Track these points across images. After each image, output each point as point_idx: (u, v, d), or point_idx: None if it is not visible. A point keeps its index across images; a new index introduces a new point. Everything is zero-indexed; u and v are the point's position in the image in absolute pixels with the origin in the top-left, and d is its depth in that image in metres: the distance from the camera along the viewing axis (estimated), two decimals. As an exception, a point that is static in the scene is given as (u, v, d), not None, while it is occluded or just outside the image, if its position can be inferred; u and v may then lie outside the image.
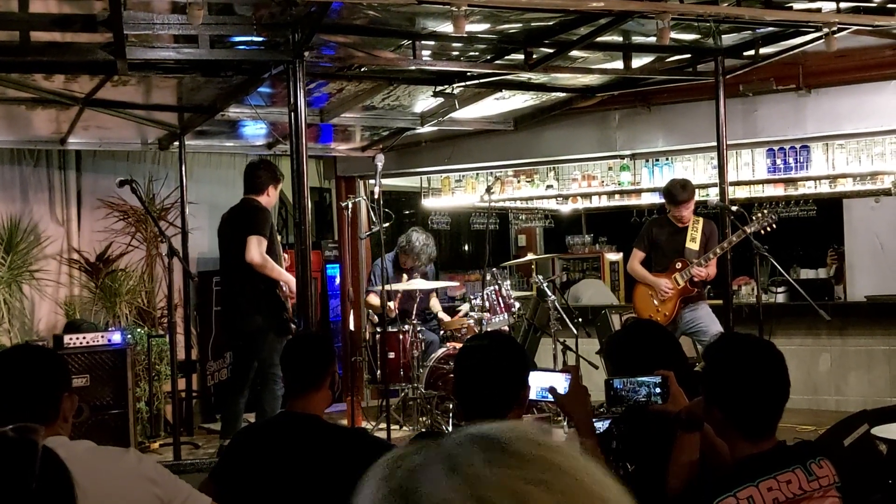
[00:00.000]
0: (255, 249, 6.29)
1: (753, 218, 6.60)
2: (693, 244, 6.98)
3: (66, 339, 6.69)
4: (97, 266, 8.27)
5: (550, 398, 2.99)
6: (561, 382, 2.99)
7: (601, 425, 3.21)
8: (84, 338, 6.72)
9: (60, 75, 6.10)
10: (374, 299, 7.91)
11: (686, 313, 6.97)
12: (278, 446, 3.24)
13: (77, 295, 8.31)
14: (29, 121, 7.31)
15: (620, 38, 6.51)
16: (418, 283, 7.87)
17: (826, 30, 5.72)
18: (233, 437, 3.81)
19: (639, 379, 2.90)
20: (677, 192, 6.99)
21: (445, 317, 8.42)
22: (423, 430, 7.08)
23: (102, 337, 6.81)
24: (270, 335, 6.40)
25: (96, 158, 8.57)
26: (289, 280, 6.51)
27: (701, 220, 7.10)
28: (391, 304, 7.67)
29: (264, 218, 6.48)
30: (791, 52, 6.80)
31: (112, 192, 7.95)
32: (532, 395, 2.94)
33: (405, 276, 8.09)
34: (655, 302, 7.04)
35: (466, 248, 13.02)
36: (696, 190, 7.23)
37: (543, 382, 3.02)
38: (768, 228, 6.59)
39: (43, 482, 1.64)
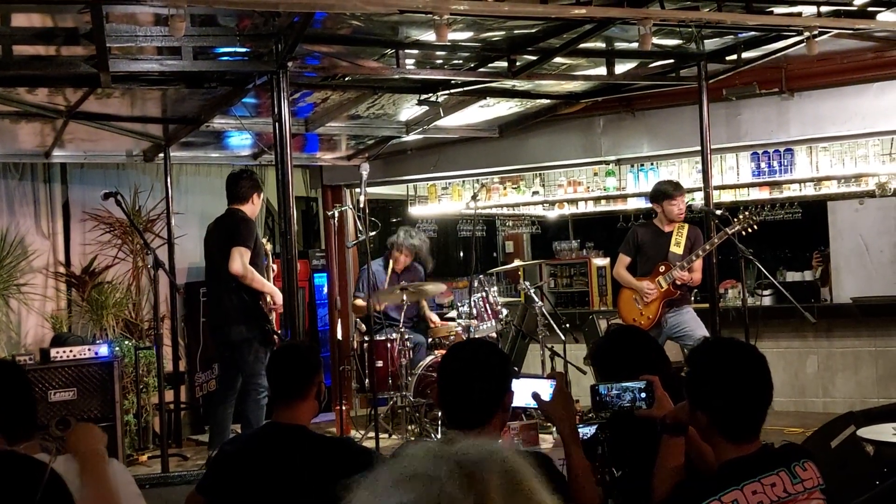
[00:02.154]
0: (239, 261, 6.33)
1: (735, 219, 6.64)
2: (677, 248, 7.03)
3: (53, 352, 6.65)
4: (84, 279, 8.23)
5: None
6: (546, 389, 3.00)
7: (587, 431, 3.21)
8: (71, 351, 6.68)
9: (44, 88, 6.10)
10: (361, 303, 7.92)
11: (670, 317, 7.01)
12: (264, 457, 3.23)
13: (64, 308, 8.27)
14: (13, 134, 7.28)
15: (603, 45, 6.54)
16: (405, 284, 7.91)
17: (807, 34, 5.74)
18: (218, 448, 3.80)
19: (624, 384, 2.91)
20: (669, 188, 7.09)
21: (434, 316, 8.41)
22: (412, 438, 7.07)
23: (89, 350, 6.78)
24: (254, 345, 6.42)
25: (83, 170, 8.52)
26: (272, 291, 6.54)
27: (686, 225, 7.14)
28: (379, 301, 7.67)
29: (249, 229, 6.50)
30: (773, 57, 6.84)
31: (98, 204, 7.91)
32: (519, 402, 2.95)
33: (391, 271, 8.10)
34: (639, 305, 7.08)
35: (454, 255, 13.00)
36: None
37: (530, 389, 3.02)
38: (749, 230, 6.63)
39: (46, 499, 1.70)
